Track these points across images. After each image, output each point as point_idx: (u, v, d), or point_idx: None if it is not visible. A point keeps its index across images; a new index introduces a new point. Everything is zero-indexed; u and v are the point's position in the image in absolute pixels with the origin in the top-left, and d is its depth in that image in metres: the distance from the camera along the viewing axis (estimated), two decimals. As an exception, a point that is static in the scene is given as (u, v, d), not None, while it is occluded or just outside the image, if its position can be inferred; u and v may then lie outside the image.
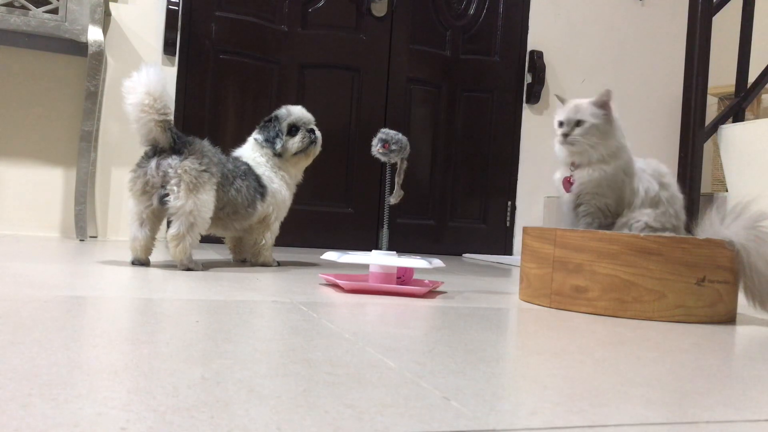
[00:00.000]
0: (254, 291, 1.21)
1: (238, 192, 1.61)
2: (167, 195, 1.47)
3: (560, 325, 1.04)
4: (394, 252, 1.39)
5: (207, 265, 1.65)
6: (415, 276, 1.65)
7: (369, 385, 0.58)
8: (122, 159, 2.61)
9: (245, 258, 1.85)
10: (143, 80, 1.44)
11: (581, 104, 1.37)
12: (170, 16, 2.61)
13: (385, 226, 1.45)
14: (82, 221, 2.33)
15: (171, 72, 2.66)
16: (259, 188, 1.69)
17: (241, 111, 2.77)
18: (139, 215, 1.51)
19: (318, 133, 1.81)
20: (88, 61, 2.28)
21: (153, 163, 1.48)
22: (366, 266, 1.84)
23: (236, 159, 1.72)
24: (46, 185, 2.54)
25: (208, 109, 2.71)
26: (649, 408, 0.58)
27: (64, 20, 2.25)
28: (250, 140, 1.79)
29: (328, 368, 0.64)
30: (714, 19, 2.20)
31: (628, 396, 0.61)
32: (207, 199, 1.50)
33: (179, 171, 1.46)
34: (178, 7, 2.63)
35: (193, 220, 1.47)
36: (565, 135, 1.36)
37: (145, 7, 2.64)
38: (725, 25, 3.12)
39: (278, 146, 1.74)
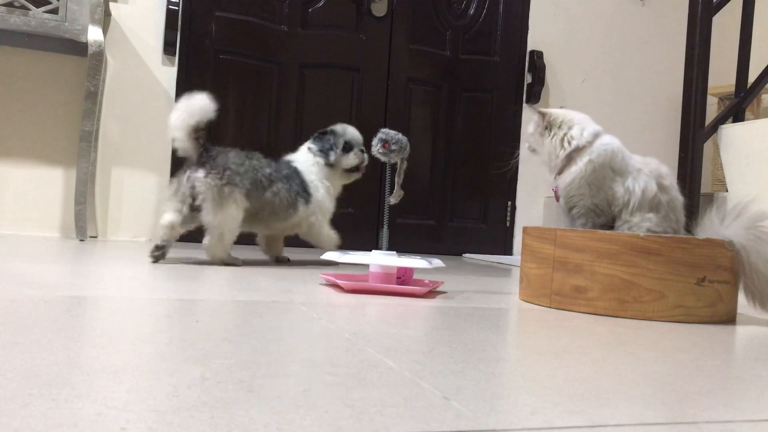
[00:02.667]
0: (254, 291, 1.21)
1: (275, 194, 1.72)
2: (198, 206, 1.63)
3: (560, 325, 1.04)
4: (394, 252, 1.39)
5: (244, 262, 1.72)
6: (415, 276, 1.65)
7: (369, 385, 0.58)
8: (122, 159, 2.61)
9: (278, 256, 1.97)
10: (187, 101, 1.63)
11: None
12: (170, 16, 2.61)
13: (385, 226, 1.45)
14: (82, 221, 2.33)
15: (171, 72, 2.66)
16: (303, 193, 1.80)
17: (241, 111, 2.77)
18: (176, 208, 1.66)
19: (366, 155, 1.93)
20: (88, 61, 2.28)
21: (186, 174, 1.64)
22: (366, 266, 1.84)
23: (285, 163, 1.83)
24: (46, 185, 2.54)
25: (208, 109, 2.71)
26: (649, 408, 0.58)
27: (64, 20, 2.25)
28: (304, 148, 1.91)
29: (328, 368, 0.64)
30: (714, 19, 2.20)
31: (628, 396, 0.61)
32: (232, 212, 1.63)
33: (203, 187, 1.60)
34: (178, 7, 2.63)
35: (221, 231, 1.63)
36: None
37: (145, 7, 2.64)
38: (725, 25, 3.12)
39: (332, 158, 1.87)
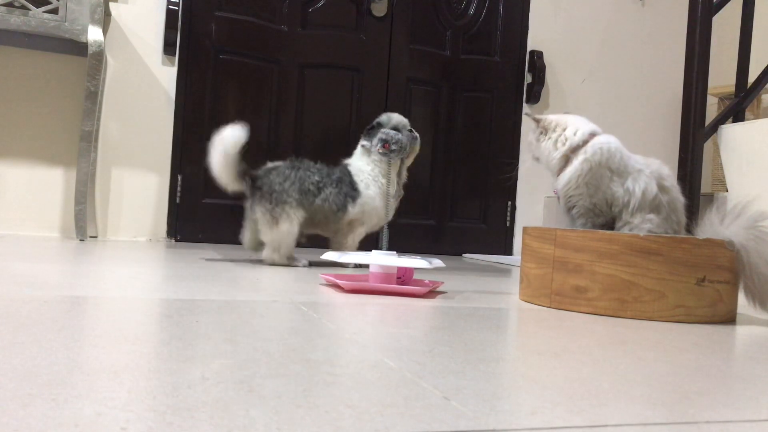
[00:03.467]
0: (254, 291, 1.21)
1: (325, 200, 1.79)
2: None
3: (560, 325, 1.04)
4: (394, 252, 1.39)
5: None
6: (415, 276, 1.65)
7: (369, 385, 0.58)
8: (122, 159, 2.61)
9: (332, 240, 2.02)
10: (221, 138, 1.71)
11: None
12: (170, 16, 2.61)
13: (385, 226, 1.46)
14: (82, 221, 2.33)
15: (171, 72, 2.66)
16: (352, 192, 1.83)
17: (241, 111, 2.77)
18: (250, 230, 1.86)
19: (416, 133, 1.93)
20: (88, 61, 2.28)
21: (249, 203, 1.81)
22: (366, 266, 1.84)
23: (340, 167, 1.87)
24: (46, 185, 2.54)
25: (208, 109, 2.71)
26: (649, 408, 0.58)
27: (64, 20, 2.25)
28: (358, 147, 1.92)
29: (328, 368, 0.64)
30: (714, 19, 2.20)
31: (628, 396, 0.61)
32: (285, 227, 1.75)
33: (258, 215, 1.76)
34: (178, 7, 2.63)
35: (277, 245, 1.77)
36: None
37: (145, 7, 2.64)
38: (725, 25, 3.12)
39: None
